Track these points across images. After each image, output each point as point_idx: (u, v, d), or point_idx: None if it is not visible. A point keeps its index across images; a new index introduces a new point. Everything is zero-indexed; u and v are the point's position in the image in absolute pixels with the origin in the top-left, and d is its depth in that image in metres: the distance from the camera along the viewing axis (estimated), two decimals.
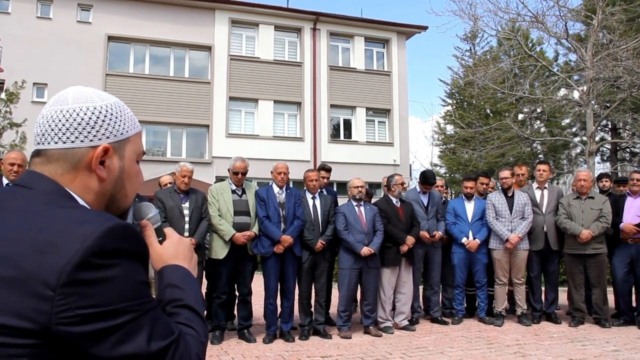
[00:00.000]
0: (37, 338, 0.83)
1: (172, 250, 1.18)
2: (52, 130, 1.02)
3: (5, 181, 5.28)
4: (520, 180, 7.50)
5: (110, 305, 0.85)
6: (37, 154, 1.04)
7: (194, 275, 1.17)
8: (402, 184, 6.82)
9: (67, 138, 1.01)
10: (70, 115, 1.02)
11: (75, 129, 1.01)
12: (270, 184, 6.35)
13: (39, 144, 1.04)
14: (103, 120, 1.04)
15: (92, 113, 1.03)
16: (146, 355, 0.88)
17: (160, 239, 1.20)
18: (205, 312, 5.94)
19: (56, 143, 1.01)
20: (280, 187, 6.23)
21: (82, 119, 1.02)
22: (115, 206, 1.09)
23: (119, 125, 1.06)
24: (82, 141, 1.01)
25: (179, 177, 6.01)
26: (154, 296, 0.97)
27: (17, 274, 0.84)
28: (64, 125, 1.01)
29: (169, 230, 1.22)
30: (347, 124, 22.83)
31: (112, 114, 1.05)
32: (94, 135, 1.02)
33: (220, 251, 5.94)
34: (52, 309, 0.82)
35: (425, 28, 23.71)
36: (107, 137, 1.04)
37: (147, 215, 1.21)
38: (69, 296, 0.83)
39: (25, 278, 0.83)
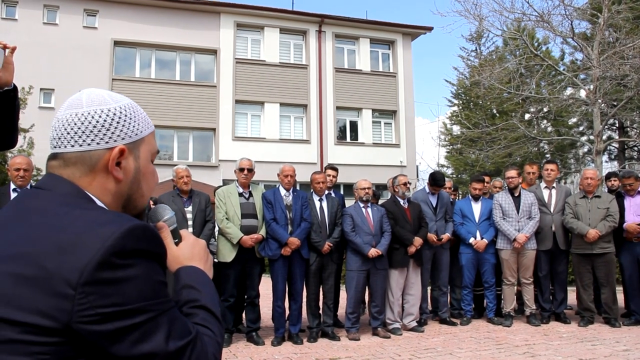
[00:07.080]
0: (60, 336, 0.85)
1: (188, 251, 1.20)
2: (68, 133, 1.03)
3: (12, 186, 5.31)
4: (530, 179, 7.48)
5: (129, 304, 0.87)
6: (53, 157, 1.05)
7: (210, 276, 1.19)
8: (405, 183, 6.80)
9: (84, 141, 1.02)
10: (86, 119, 1.03)
11: (91, 131, 1.03)
12: (277, 186, 6.36)
13: (55, 147, 1.05)
14: (117, 122, 1.05)
15: (107, 115, 1.04)
16: (164, 354, 0.89)
17: (176, 240, 1.21)
18: None
19: (72, 146, 1.03)
20: (287, 190, 6.24)
21: (97, 122, 1.03)
22: (132, 206, 1.10)
23: (133, 126, 1.08)
24: (97, 143, 1.03)
25: (177, 181, 6.08)
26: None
27: (40, 272, 0.85)
28: (79, 128, 1.03)
29: (184, 232, 1.24)
30: (354, 125, 22.79)
31: (126, 115, 1.07)
32: (110, 137, 1.04)
33: (227, 254, 5.95)
34: (73, 307, 0.84)
35: (430, 29, 23.64)
36: (122, 139, 1.05)
37: (163, 217, 1.23)
38: (90, 295, 0.84)
39: (47, 276, 0.85)
